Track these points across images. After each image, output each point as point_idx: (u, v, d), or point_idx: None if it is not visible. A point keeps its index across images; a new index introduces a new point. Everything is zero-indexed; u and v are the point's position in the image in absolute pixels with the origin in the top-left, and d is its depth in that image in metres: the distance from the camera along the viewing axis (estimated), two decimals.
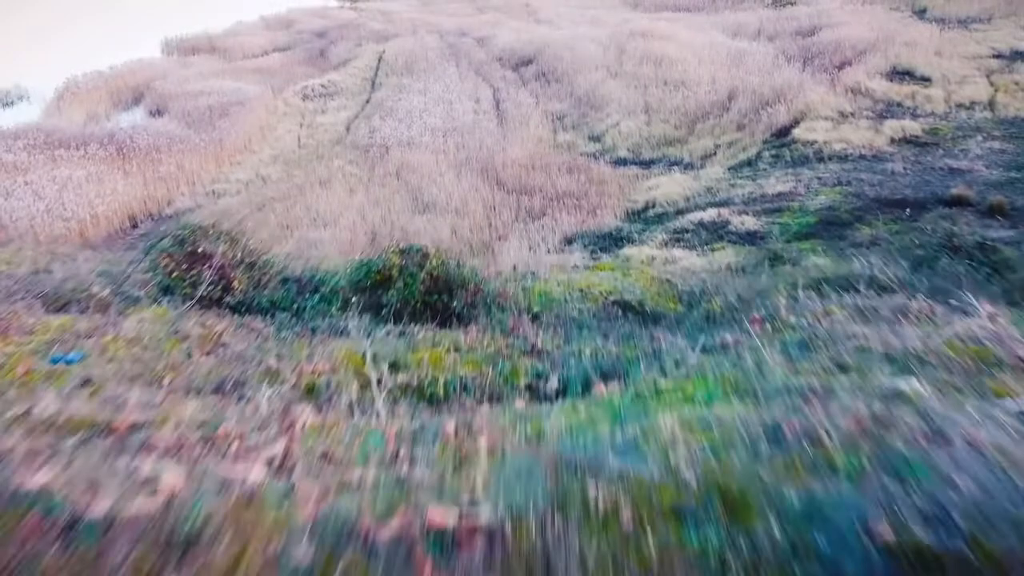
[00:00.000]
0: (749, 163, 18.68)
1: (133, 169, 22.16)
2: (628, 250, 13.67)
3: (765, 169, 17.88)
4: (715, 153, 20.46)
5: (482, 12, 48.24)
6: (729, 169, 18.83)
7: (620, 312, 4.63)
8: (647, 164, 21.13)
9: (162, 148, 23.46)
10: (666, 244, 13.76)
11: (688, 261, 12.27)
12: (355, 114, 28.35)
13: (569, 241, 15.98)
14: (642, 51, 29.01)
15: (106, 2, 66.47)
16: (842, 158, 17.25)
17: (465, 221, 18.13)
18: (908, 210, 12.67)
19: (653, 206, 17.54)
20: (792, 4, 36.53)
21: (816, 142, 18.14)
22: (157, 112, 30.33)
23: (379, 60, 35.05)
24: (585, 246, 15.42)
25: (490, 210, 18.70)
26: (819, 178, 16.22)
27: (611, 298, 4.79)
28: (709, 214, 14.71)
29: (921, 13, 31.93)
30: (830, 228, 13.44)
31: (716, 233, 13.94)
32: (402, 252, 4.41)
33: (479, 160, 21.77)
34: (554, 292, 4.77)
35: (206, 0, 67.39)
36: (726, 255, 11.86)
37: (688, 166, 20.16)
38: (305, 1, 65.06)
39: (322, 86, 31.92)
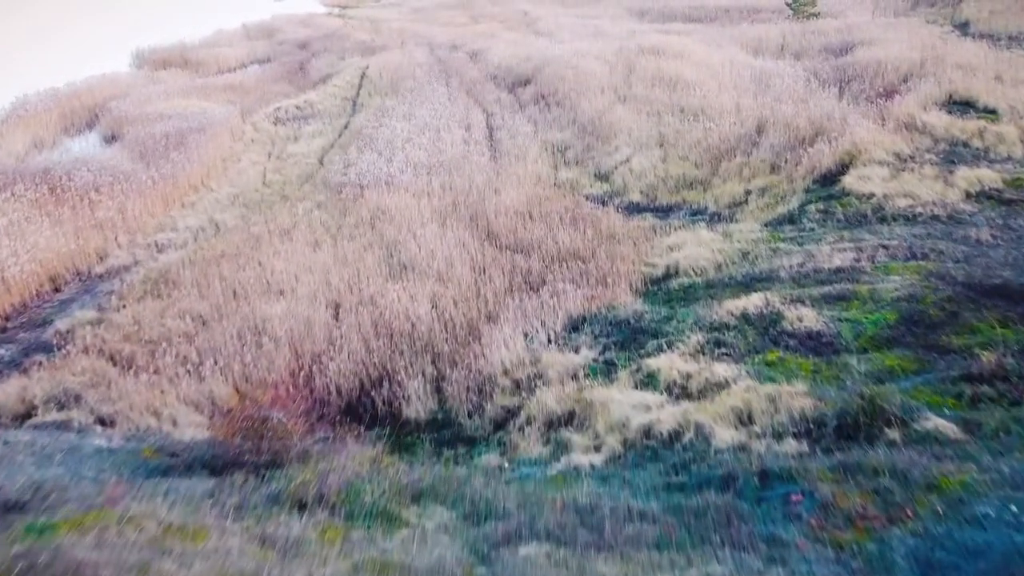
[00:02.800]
0: (791, 219, 15.50)
1: (64, 214, 18.94)
2: (654, 360, 10.48)
3: (813, 229, 14.72)
4: (746, 201, 17.27)
5: (477, 22, 45.11)
6: (766, 225, 15.66)
7: None
8: (664, 212, 17.95)
9: (103, 187, 20.26)
10: (702, 349, 10.59)
11: (740, 389, 9.10)
12: (331, 142, 25.19)
13: (575, 327, 12.79)
14: (653, 71, 25.85)
15: (104, 4, 63.53)
16: (909, 218, 14.08)
17: (449, 290, 14.94)
18: None
19: (676, 274, 14.37)
20: (816, 16, 33.31)
21: (874, 195, 14.97)
22: (112, 138, 27.15)
23: (362, 77, 31.89)
24: (595, 337, 12.23)
25: (479, 274, 15.50)
26: (885, 247, 13.05)
27: None
28: (754, 302, 11.53)
29: (963, 27, 28.75)
30: (917, 331, 10.27)
31: (767, 334, 10.77)
32: None
33: (468, 205, 18.59)
34: None
35: (203, 3, 64.49)
36: (793, 390, 8.68)
37: (714, 217, 16.97)
38: (292, 7, 62.20)
39: (297, 108, 28.78)
